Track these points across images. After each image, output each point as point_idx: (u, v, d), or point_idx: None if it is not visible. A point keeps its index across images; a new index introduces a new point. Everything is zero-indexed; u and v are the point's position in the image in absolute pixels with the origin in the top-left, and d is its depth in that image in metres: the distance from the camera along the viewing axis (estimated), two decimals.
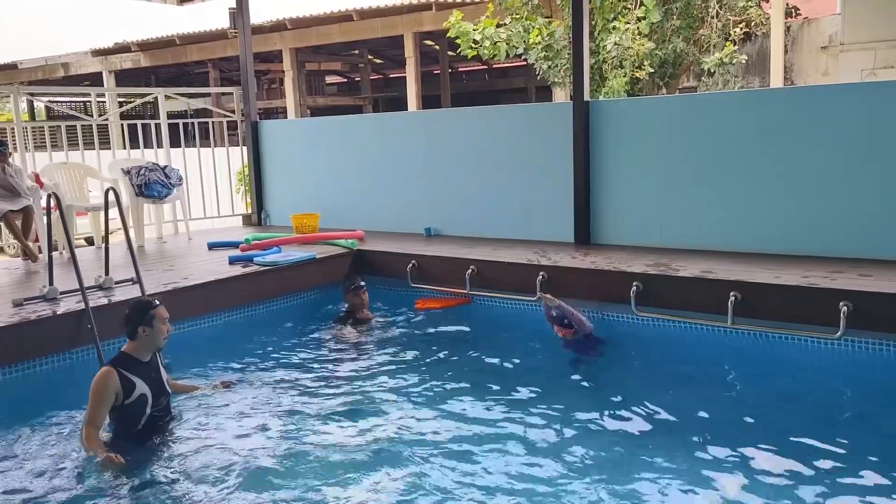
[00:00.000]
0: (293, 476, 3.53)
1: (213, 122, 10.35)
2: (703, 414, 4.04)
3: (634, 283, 5.15)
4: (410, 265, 6.32)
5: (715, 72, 11.75)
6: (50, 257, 5.30)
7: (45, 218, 6.96)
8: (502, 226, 7.02)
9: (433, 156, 7.50)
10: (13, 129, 7.63)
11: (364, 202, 7.95)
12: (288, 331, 5.78)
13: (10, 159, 6.79)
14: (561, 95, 14.12)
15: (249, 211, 9.28)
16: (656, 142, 6.18)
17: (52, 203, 5.08)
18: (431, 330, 5.72)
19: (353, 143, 8.11)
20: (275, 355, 5.29)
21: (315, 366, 5.06)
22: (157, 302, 4.06)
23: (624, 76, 11.36)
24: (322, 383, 4.73)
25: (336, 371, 4.95)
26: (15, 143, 7.13)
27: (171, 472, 3.58)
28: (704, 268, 5.25)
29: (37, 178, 7.22)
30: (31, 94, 8.19)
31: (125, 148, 8.76)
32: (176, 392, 4.28)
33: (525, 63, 22.98)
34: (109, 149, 9.25)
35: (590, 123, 6.40)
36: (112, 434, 3.83)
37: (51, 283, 5.22)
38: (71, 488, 3.47)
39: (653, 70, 11.48)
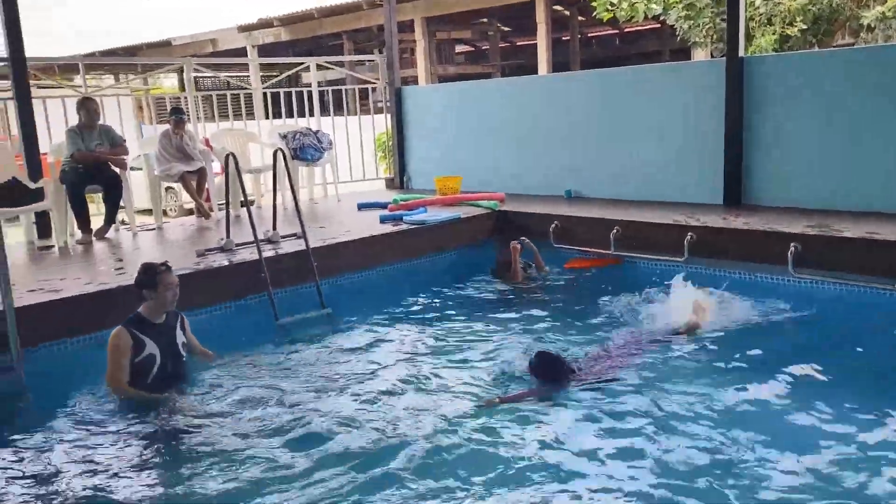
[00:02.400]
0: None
1: (347, 90, 10.75)
2: None
3: (792, 245, 5.01)
4: (553, 226, 6.40)
5: (875, 27, 10.92)
6: (227, 212, 5.81)
7: (217, 179, 7.63)
8: (645, 187, 6.96)
9: (573, 118, 7.50)
10: (184, 98, 8.32)
11: (503, 165, 8.08)
12: (434, 286, 6.00)
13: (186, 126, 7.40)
14: (701, 56, 13.57)
15: (390, 175, 9.65)
16: (817, 99, 5.90)
17: (231, 163, 5.53)
18: (580, 289, 5.76)
19: (493, 107, 8.23)
20: (421, 308, 5.55)
21: (458, 321, 5.22)
22: (164, 268, 4.13)
23: (773, 34, 10.80)
24: (456, 337, 4.91)
25: (477, 326, 5.09)
26: (187, 112, 7.76)
27: (173, 433, 3.67)
28: (869, 229, 5.02)
29: (207, 142, 7.86)
30: (199, 67, 8.83)
31: (267, 118, 9.29)
32: (197, 356, 4.40)
33: (660, 25, 22.15)
34: (255, 118, 9.86)
35: (743, 81, 6.20)
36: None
37: (227, 235, 5.73)
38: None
39: (805, 27, 10.83)
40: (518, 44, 27.80)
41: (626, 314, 4.96)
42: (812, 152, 5.96)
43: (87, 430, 3.73)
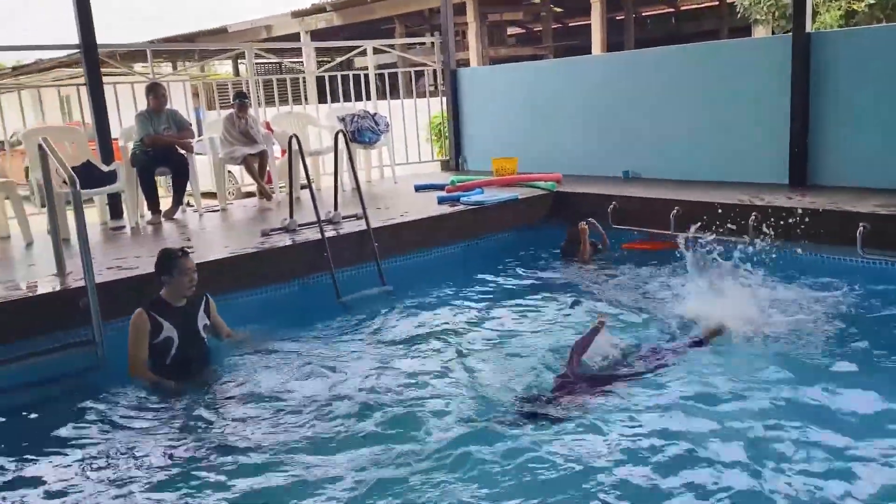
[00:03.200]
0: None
1: (400, 73, 10.81)
2: None
3: (861, 224, 4.89)
4: (611, 206, 6.37)
5: None
6: (290, 193, 5.95)
7: (277, 161, 7.79)
8: (705, 167, 6.85)
9: (631, 98, 7.42)
10: (245, 83, 8.51)
11: (560, 146, 8.05)
12: (491, 267, 6.04)
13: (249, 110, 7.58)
14: (762, 34, 13.22)
15: (445, 157, 9.70)
16: (886, 75, 5.72)
17: (294, 144, 5.66)
18: (637, 272, 5.69)
19: (549, 87, 8.19)
20: (479, 288, 5.59)
21: (514, 301, 5.25)
22: (181, 253, 4.20)
23: (838, 9, 10.46)
24: (511, 316, 4.95)
25: (533, 306, 5.12)
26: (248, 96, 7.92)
27: (193, 412, 3.78)
28: None
29: (268, 126, 8.02)
30: (258, 52, 9.00)
31: (320, 102, 9.42)
32: (226, 338, 4.47)
33: (718, 2, 21.54)
34: (308, 102, 10.00)
35: (810, 57, 6.04)
36: (150, 366, 4.11)
37: (290, 216, 5.87)
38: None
39: (873, 1, 10.45)
40: (571, 24, 27.43)
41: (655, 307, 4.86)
42: (881, 130, 5.79)
43: (154, 401, 3.92)
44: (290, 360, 4.31)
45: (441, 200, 6.68)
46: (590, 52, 18.05)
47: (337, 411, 3.64)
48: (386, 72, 10.54)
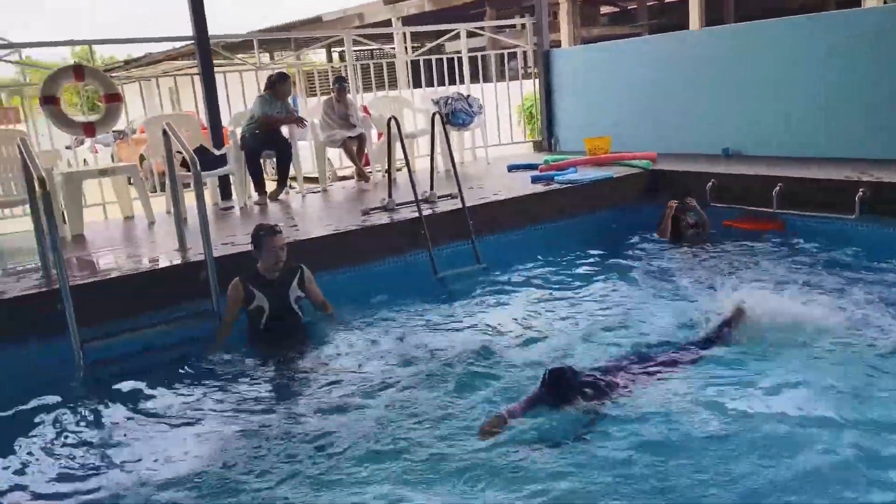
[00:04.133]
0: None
1: (491, 56, 10.86)
2: None
3: None
4: (710, 184, 6.26)
5: None
6: (389, 173, 6.17)
7: (374, 144, 8.04)
8: (809, 143, 6.62)
9: (731, 73, 7.22)
10: (343, 69, 8.80)
11: (656, 124, 7.93)
12: (586, 245, 6.05)
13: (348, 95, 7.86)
14: (873, 5, 12.49)
15: (537, 138, 9.72)
16: None
17: (392, 126, 5.85)
18: (736, 252, 5.59)
19: (644, 65, 8.07)
20: (573, 266, 5.64)
21: (606, 279, 5.27)
22: (268, 231, 4.44)
23: None
24: (603, 294, 4.97)
25: (627, 285, 5.11)
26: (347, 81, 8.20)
27: (274, 374, 4.09)
28: None
29: (365, 110, 8.28)
30: (356, 38, 9.27)
31: (413, 87, 9.60)
32: (323, 310, 4.69)
33: None
34: (400, 87, 10.22)
35: None
36: (248, 331, 4.47)
37: (389, 195, 6.08)
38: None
39: None
40: (667, 1, 26.61)
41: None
42: None
43: (265, 364, 4.21)
44: (386, 334, 4.50)
45: (535, 180, 6.75)
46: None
47: (429, 383, 3.74)
48: (478, 54, 10.62)
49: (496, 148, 9.37)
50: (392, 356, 4.16)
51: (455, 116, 8.16)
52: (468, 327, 4.60)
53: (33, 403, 3.76)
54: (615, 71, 8.42)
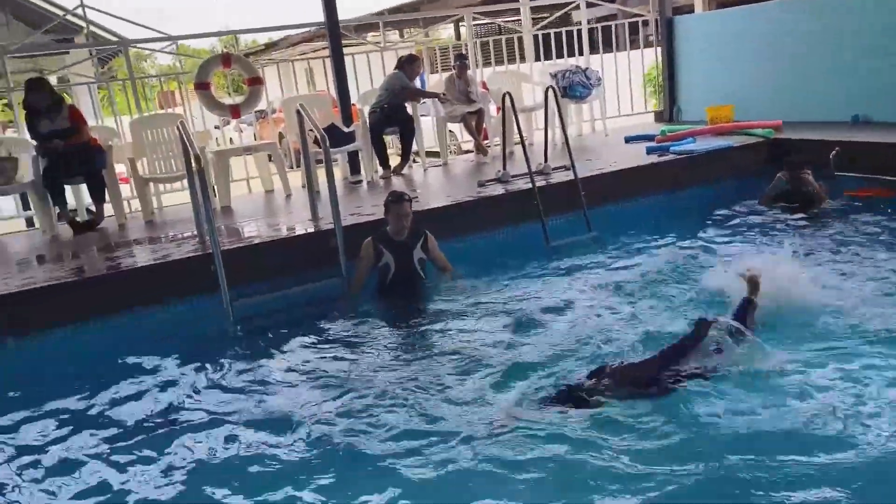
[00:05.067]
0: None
1: (617, 25, 10.75)
2: None
3: None
4: (833, 152, 6.07)
5: None
6: (504, 146, 6.44)
7: (492, 118, 8.31)
8: None
9: (865, 37, 6.88)
10: (464, 46, 9.11)
11: (780, 92, 7.70)
12: (700, 216, 6.05)
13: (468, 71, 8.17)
14: None
15: (659, 108, 9.62)
16: None
17: (507, 101, 6.11)
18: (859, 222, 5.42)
19: (771, 31, 7.82)
20: (684, 237, 5.65)
21: (718, 250, 5.24)
22: (397, 198, 4.90)
23: None
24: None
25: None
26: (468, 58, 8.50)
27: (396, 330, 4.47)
28: None
29: (484, 85, 8.57)
30: (477, 15, 9.54)
31: (537, 59, 9.69)
32: (445, 273, 5.07)
33: None
34: (525, 60, 10.33)
35: None
36: (376, 286, 4.97)
37: (504, 168, 6.36)
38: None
39: None
40: None
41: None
42: None
43: (387, 319, 4.66)
44: (499, 298, 4.80)
45: (650, 151, 6.79)
46: None
47: (537, 347, 3.95)
48: (599, 25, 10.57)
49: (616, 119, 9.39)
50: (503, 319, 4.43)
51: (572, 89, 8.28)
52: (578, 294, 4.75)
53: (192, 351, 4.38)
54: (740, 37, 8.20)
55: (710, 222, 5.94)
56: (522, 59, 9.58)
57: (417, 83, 8.16)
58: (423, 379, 3.72)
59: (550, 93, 6.31)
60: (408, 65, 7.61)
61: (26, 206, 7.29)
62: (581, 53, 9.35)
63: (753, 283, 3.75)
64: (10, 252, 6.06)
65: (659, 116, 9.42)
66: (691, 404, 3.14)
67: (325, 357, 4.22)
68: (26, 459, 3.36)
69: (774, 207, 5.87)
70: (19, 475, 3.23)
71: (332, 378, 3.91)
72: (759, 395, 3.18)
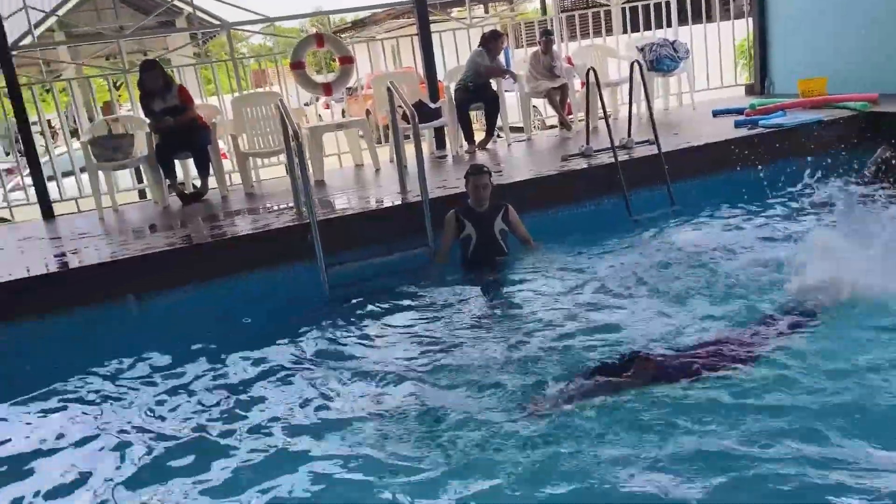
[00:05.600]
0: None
1: None
2: None
3: None
4: None
5: None
6: (587, 121, 6.51)
7: (577, 93, 8.35)
8: None
9: None
10: (549, 20, 9.14)
11: (878, 64, 7.38)
12: (789, 192, 5.91)
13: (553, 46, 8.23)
14: None
15: (750, 81, 9.40)
16: None
17: (591, 77, 6.18)
18: None
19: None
20: (770, 212, 5.61)
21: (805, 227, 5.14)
22: (475, 171, 5.10)
23: None
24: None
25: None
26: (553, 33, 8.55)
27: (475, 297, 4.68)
28: None
29: (569, 60, 8.60)
30: None
31: (625, 32, 9.60)
32: (526, 244, 5.24)
33: None
34: (613, 33, 10.24)
35: None
36: (459, 256, 5.20)
37: (587, 142, 6.45)
38: None
39: None
40: None
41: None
42: None
43: (470, 289, 4.88)
44: (579, 269, 4.93)
45: (738, 124, 6.71)
46: None
47: (618, 317, 4.07)
48: None
49: (705, 93, 9.23)
50: (582, 292, 4.55)
51: (660, 63, 8.21)
52: (658, 269, 4.78)
53: (289, 314, 4.72)
54: (839, 6, 7.89)
55: (798, 200, 5.81)
56: (609, 32, 9.53)
57: (502, 59, 8.27)
58: (497, 350, 3.86)
59: (636, 67, 6.33)
60: (491, 41, 7.74)
61: (139, 180, 7.88)
62: (669, 25, 9.22)
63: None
64: (126, 221, 6.61)
65: (749, 90, 9.20)
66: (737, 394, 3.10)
67: (409, 323, 4.48)
68: (154, 402, 3.78)
69: (874, 183, 5.70)
70: (152, 419, 3.64)
71: (415, 343, 4.15)
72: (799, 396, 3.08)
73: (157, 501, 2.92)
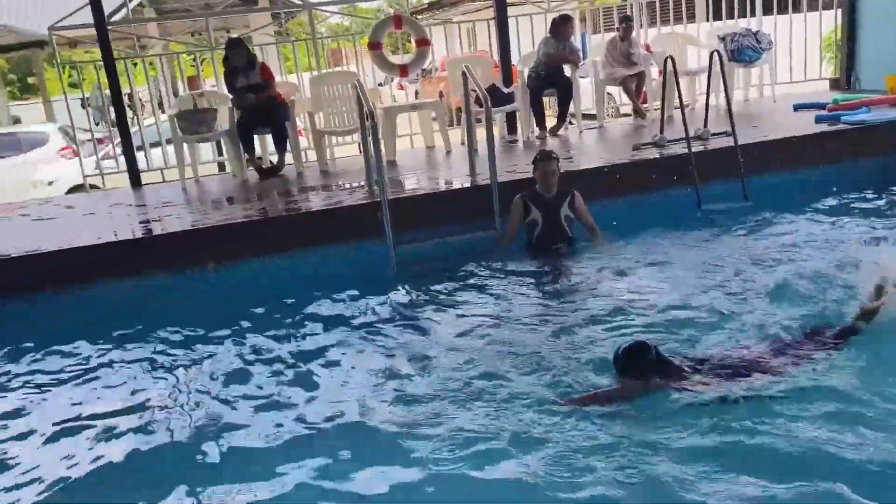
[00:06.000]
0: None
1: None
2: None
3: None
4: None
5: None
6: (662, 112, 6.44)
7: (653, 82, 8.24)
8: None
9: None
10: (629, 6, 9.02)
11: None
12: (866, 192, 5.76)
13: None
14: None
15: (835, 75, 9.06)
16: None
17: (669, 65, 6.10)
18: None
19: None
20: (845, 212, 5.44)
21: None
22: (541, 158, 5.16)
23: None
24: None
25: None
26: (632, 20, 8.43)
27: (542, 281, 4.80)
28: None
29: (647, 47, 8.48)
30: None
31: (708, 20, 9.37)
32: (591, 232, 5.28)
33: None
34: (695, 20, 10.02)
35: None
36: (525, 241, 5.26)
37: (661, 132, 6.38)
38: None
39: None
40: None
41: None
42: None
43: (533, 272, 4.98)
44: (644, 260, 4.93)
45: (819, 119, 6.52)
46: None
47: (683, 312, 4.03)
48: None
49: (787, 86, 8.95)
50: (643, 284, 4.56)
51: (741, 53, 8.01)
52: (729, 261, 4.76)
53: (356, 289, 4.87)
54: None
55: (880, 201, 5.66)
56: (691, 19, 9.32)
57: (577, 44, 8.22)
58: (551, 338, 3.90)
59: (715, 56, 6.21)
60: (560, 26, 7.70)
61: (220, 153, 8.20)
62: (754, 14, 8.96)
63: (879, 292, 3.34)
64: (206, 192, 6.92)
65: (834, 84, 8.88)
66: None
67: (470, 303, 4.59)
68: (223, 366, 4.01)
69: None
70: (224, 380, 3.87)
71: (473, 324, 4.25)
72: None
73: (240, 459, 3.11)
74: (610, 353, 3.36)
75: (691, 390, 3.06)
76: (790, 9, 8.94)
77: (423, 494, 2.76)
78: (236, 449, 3.18)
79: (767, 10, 8.97)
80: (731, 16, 9.04)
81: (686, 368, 3.19)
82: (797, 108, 7.39)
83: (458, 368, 3.67)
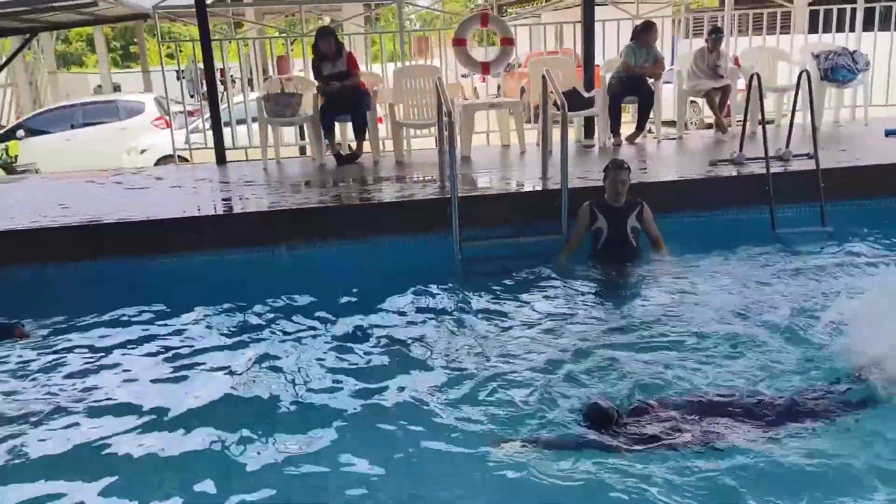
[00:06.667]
0: None
1: None
2: None
3: None
4: None
5: None
6: (743, 128, 6.32)
7: (738, 96, 8.08)
8: None
9: None
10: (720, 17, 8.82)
11: None
12: None
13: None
14: None
15: None
16: None
17: (754, 82, 5.98)
18: None
19: None
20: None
21: None
22: (612, 166, 5.16)
23: None
24: None
25: None
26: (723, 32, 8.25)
27: (599, 287, 4.86)
28: None
29: (735, 60, 8.29)
30: None
31: (805, 33, 9.04)
32: (656, 246, 5.23)
33: None
34: (790, 33, 9.69)
35: None
36: (590, 248, 5.26)
37: (740, 149, 6.26)
38: None
39: None
40: None
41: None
42: None
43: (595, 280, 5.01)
44: (709, 280, 4.85)
45: None
46: None
47: (742, 338, 3.92)
48: (878, 5, 9.57)
49: (883, 108, 8.61)
50: (705, 307, 4.43)
51: (835, 73, 7.74)
52: (801, 289, 4.63)
53: (421, 281, 4.96)
54: None
55: None
56: (784, 30, 9.02)
57: (665, 52, 8.11)
58: (601, 351, 3.88)
59: (804, 76, 6.04)
60: (643, 33, 7.63)
61: (301, 136, 8.47)
62: (853, 30, 8.62)
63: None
64: (286, 174, 7.18)
65: None
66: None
67: (531, 305, 4.64)
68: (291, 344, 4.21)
69: None
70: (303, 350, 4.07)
71: (528, 325, 4.32)
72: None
73: (304, 434, 3.25)
74: (652, 378, 3.41)
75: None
76: (893, 26, 8.54)
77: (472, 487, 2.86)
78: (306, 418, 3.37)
79: (868, 26, 8.62)
80: (827, 29, 8.70)
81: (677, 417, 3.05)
82: (888, 133, 7.11)
83: (513, 371, 3.73)
